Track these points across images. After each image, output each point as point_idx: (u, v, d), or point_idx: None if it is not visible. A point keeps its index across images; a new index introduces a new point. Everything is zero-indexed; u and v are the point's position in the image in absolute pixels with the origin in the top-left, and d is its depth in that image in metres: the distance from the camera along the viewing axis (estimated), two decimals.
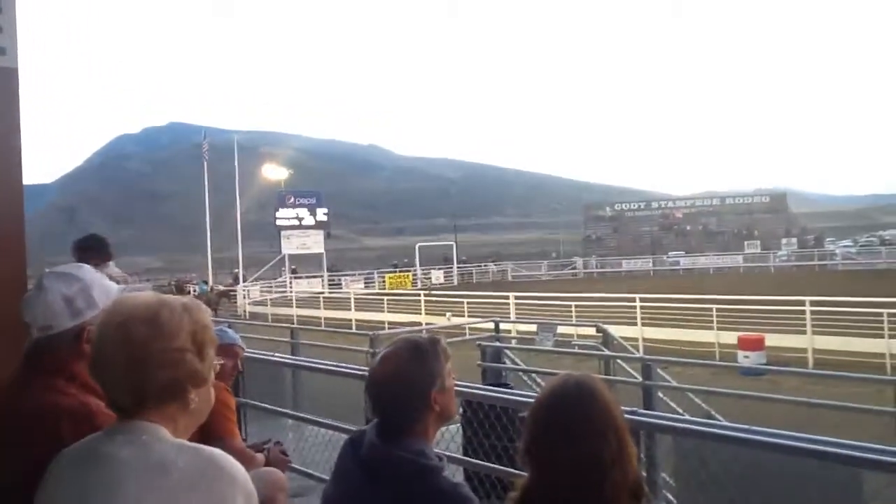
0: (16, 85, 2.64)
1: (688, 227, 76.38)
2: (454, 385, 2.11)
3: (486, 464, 4.34)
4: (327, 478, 4.87)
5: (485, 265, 62.41)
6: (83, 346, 1.82)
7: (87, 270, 1.98)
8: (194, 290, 42.94)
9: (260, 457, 3.41)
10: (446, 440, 4.46)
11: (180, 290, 40.93)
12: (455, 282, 53.97)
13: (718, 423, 5.26)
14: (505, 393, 4.39)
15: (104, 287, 1.96)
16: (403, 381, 2.01)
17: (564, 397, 1.72)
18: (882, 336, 16.17)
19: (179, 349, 1.46)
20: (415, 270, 54.95)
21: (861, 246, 65.81)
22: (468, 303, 26.91)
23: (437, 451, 2.12)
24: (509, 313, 23.94)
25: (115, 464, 1.42)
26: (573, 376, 1.78)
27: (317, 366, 6.08)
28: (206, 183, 48.93)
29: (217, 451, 1.46)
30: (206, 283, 48.68)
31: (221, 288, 47.18)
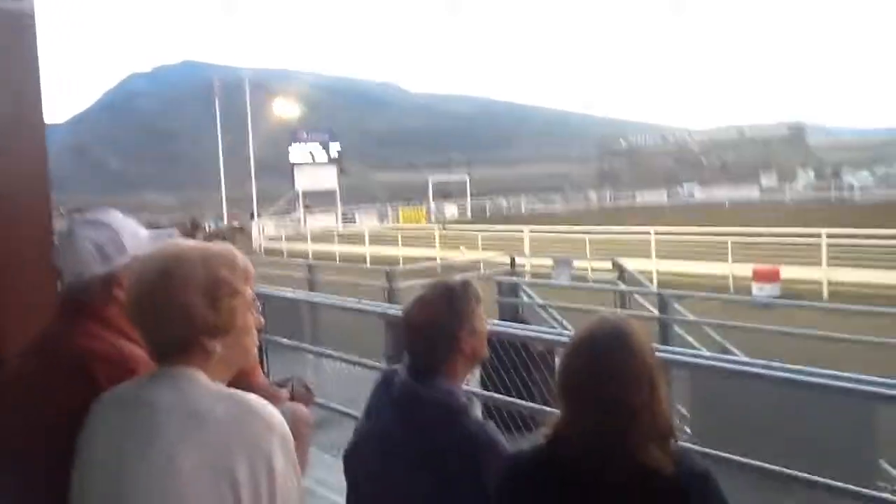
0: (33, 29, 2.63)
1: (703, 160, 75.72)
2: (485, 327, 2.17)
3: (504, 397, 4.42)
4: (346, 410, 5.00)
5: (497, 198, 62.27)
6: (115, 292, 1.86)
7: (116, 216, 2.00)
8: (209, 226, 43.17)
9: (284, 392, 3.50)
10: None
11: (195, 226, 41.07)
12: (469, 216, 53.94)
13: (737, 358, 5.32)
14: (524, 329, 4.44)
15: (134, 232, 1.98)
16: (435, 323, 2.09)
17: (598, 340, 1.74)
18: None
19: (184, 303, 1.49)
20: (428, 205, 54.95)
21: (879, 178, 65.00)
22: (482, 237, 26.95)
23: (465, 388, 2.19)
24: (523, 248, 24.00)
25: (156, 409, 1.46)
26: (609, 320, 1.79)
27: (336, 304, 6.15)
28: (219, 120, 48.72)
29: (252, 397, 1.50)
30: (220, 218, 48.98)
31: (236, 224, 47.44)
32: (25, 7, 2.57)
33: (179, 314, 1.49)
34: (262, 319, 1.67)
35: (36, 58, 2.66)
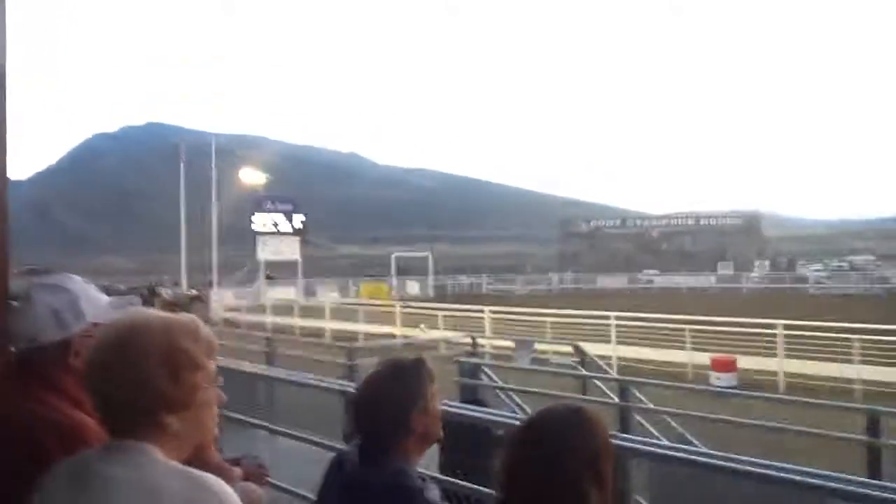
0: (3, 85, 2.60)
1: (663, 246, 77.07)
2: (439, 407, 2.11)
3: (462, 483, 4.32)
4: (299, 491, 4.85)
5: (459, 277, 62.46)
6: (70, 360, 1.79)
7: (75, 281, 1.95)
8: (167, 294, 42.51)
9: (237, 471, 3.39)
10: (426, 457, 4.43)
11: (153, 293, 40.45)
12: (431, 293, 53.89)
13: (697, 449, 5.29)
14: (482, 412, 4.37)
15: (94, 299, 1.93)
16: (385, 402, 2.02)
17: (548, 423, 1.72)
18: (852, 362, 16.32)
19: (143, 375, 1.43)
20: (390, 280, 54.91)
21: (832, 270, 66.78)
22: (443, 316, 26.82)
23: (420, 471, 2.13)
24: (484, 327, 23.93)
25: (110, 484, 1.40)
26: (559, 406, 1.78)
27: (295, 380, 6.03)
28: (183, 184, 48.54)
29: (206, 475, 1.45)
30: (177, 285, 48.29)
31: (193, 292, 46.71)
32: None
33: (137, 386, 1.43)
34: (224, 396, 1.62)
35: (4, 117, 2.63)
